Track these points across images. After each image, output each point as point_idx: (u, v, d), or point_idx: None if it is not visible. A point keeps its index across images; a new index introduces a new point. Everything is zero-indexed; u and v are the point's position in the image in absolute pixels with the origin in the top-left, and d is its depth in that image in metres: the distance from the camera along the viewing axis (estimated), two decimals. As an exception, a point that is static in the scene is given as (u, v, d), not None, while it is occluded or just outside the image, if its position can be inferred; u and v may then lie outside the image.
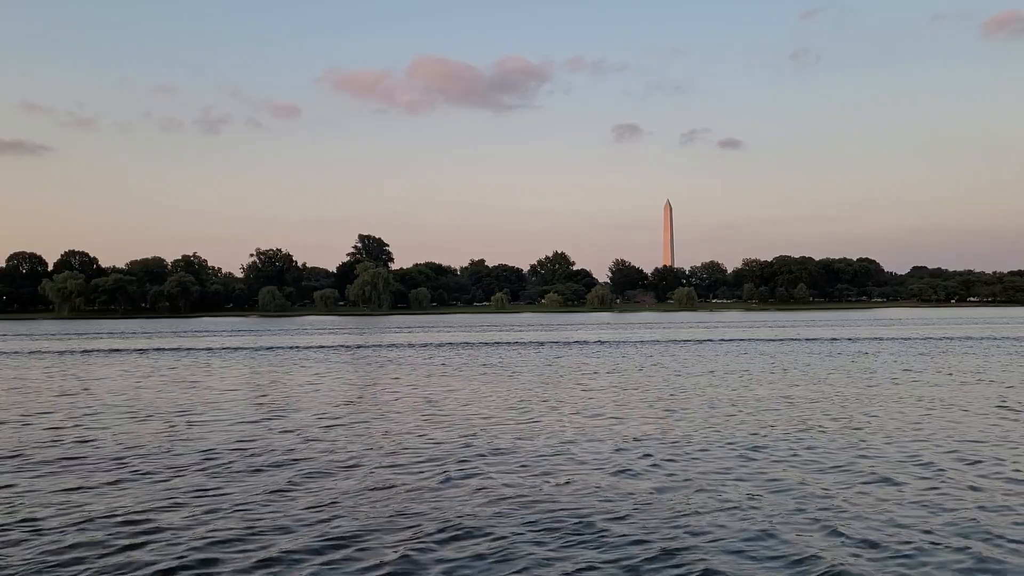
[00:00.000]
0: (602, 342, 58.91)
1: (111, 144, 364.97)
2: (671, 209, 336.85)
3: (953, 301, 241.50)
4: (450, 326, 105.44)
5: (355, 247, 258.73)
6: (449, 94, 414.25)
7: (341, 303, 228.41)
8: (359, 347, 56.27)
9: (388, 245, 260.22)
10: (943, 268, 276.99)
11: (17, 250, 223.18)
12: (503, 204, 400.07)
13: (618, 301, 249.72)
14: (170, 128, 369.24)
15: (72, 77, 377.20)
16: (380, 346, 57.30)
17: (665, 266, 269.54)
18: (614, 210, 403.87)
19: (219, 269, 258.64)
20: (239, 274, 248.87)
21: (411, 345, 58.07)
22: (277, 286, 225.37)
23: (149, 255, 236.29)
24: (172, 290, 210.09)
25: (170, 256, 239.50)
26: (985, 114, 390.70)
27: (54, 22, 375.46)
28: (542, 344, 57.12)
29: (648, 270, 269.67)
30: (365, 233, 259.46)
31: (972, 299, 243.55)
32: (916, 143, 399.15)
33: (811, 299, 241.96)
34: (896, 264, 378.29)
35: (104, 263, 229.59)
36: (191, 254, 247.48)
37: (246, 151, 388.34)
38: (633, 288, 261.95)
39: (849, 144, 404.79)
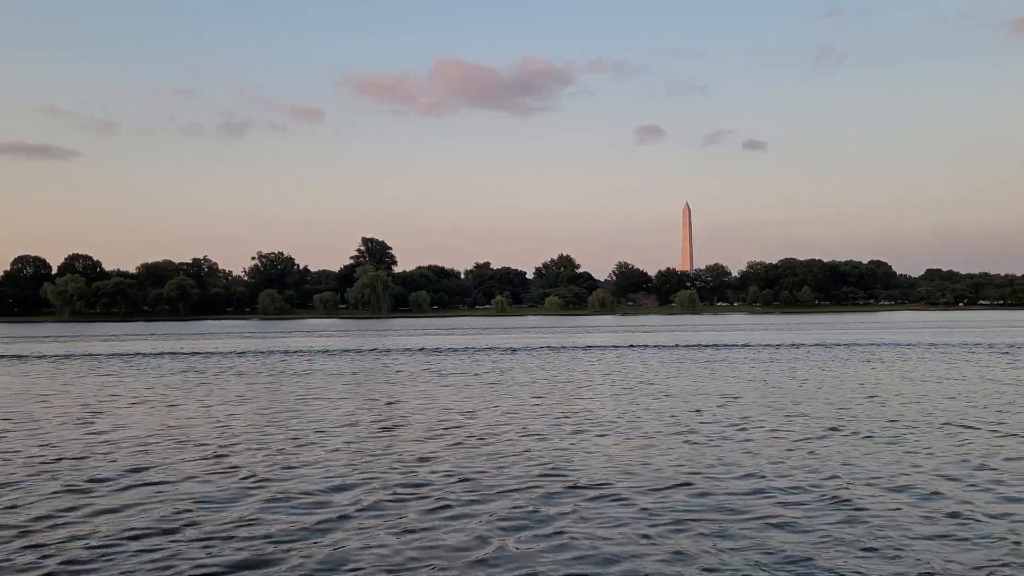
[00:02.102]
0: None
1: (132, 148, 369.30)
2: (690, 211, 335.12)
3: (962, 304, 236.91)
4: (407, 330, 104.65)
5: (358, 250, 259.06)
6: (470, 96, 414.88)
7: (342, 306, 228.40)
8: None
9: (391, 248, 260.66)
10: (957, 271, 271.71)
11: (26, 253, 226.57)
12: (514, 205, 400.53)
13: (628, 304, 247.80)
14: (192, 131, 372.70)
15: (94, 80, 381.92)
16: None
17: (669, 268, 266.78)
18: (627, 212, 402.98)
19: (229, 272, 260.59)
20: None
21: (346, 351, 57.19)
22: (278, 289, 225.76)
23: (168, 257, 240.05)
24: (171, 293, 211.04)
25: (186, 258, 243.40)
26: (1012, 114, 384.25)
27: (72, 24, 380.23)
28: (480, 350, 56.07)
29: (661, 272, 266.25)
30: (377, 235, 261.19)
31: (983, 302, 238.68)
32: (939, 143, 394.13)
33: (816, 302, 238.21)
34: (913, 266, 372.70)
35: (121, 266, 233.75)
36: (202, 257, 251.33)
37: (266, 154, 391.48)
38: (636, 291, 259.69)
39: (870, 145, 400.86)
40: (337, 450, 17.36)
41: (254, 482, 14.25)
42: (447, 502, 12.74)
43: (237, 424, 21.42)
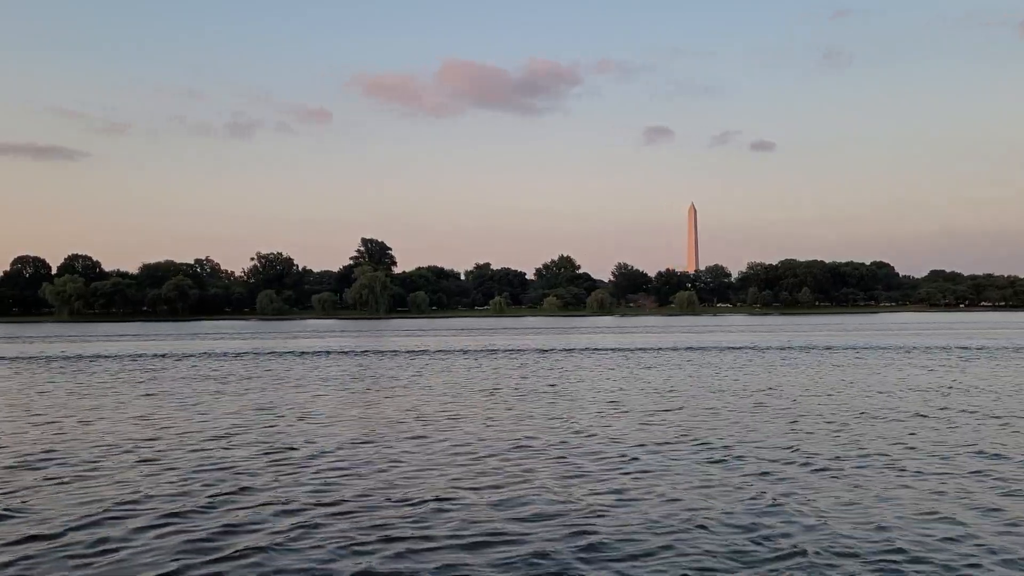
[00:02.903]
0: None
1: (139, 148, 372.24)
2: (695, 212, 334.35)
3: (963, 306, 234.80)
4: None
5: (358, 251, 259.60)
6: (477, 97, 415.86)
7: (342, 307, 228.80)
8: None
9: (391, 248, 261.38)
10: (961, 272, 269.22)
11: (27, 253, 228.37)
12: (517, 206, 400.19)
13: (630, 305, 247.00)
14: (200, 132, 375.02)
15: (103, 81, 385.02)
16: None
17: (668, 269, 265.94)
18: (631, 213, 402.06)
19: (232, 272, 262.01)
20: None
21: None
22: (276, 289, 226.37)
23: (169, 258, 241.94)
24: (170, 293, 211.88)
25: (187, 259, 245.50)
26: (1017, 115, 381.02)
27: (79, 26, 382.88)
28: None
29: (661, 273, 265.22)
30: (377, 236, 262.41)
31: (985, 303, 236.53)
32: (944, 144, 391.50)
33: (816, 303, 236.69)
34: (917, 268, 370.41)
35: (121, 266, 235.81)
36: (204, 257, 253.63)
37: (269, 155, 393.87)
38: (636, 292, 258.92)
39: (876, 145, 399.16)
40: (158, 462, 16.93)
41: (17, 497, 13.84)
42: (196, 521, 12.30)
43: (95, 431, 21.03)
